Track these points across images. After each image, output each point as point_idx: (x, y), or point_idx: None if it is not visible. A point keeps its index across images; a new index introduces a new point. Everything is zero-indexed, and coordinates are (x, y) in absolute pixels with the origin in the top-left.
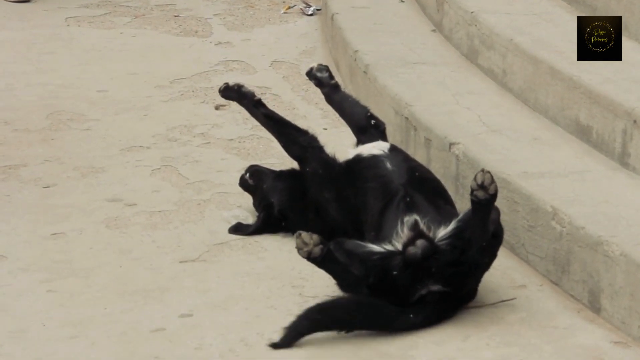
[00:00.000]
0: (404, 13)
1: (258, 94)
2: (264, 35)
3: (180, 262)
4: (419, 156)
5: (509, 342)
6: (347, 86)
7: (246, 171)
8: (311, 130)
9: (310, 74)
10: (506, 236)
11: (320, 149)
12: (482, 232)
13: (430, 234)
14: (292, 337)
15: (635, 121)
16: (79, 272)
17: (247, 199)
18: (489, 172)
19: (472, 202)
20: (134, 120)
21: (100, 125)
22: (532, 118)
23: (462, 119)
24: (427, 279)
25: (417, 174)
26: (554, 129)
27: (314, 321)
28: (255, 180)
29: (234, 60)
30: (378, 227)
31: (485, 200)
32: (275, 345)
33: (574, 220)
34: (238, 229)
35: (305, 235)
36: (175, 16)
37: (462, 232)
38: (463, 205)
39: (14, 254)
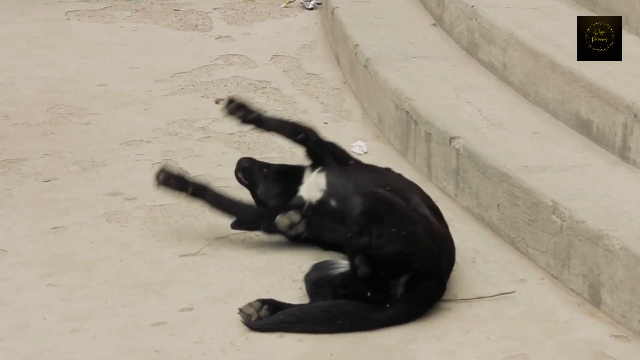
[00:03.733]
0: (404, 7)
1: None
2: (264, 29)
3: (181, 256)
4: (420, 150)
5: (510, 335)
6: (348, 80)
7: (237, 169)
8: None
9: (230, 115)
10: (507, 230)
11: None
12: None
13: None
14: (266, 328)
15: (635, 115)
16: (80, 266)
17: (247, 193)
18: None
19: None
20: (135, 114)
21: (100, 119)
22: (533, 112)
23: (462, 113)
24: (394, 276)
25: (359, 190)
26: (554, 123)
27: (292, 316)
28: (247, 179)
29: (234, 54)
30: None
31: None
32: (247, 323)
33: (575, 214)
34: (239, 223)
35: (245, 307)
36: (176, 10)
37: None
38: (464, 199)
39: (14, 248)
